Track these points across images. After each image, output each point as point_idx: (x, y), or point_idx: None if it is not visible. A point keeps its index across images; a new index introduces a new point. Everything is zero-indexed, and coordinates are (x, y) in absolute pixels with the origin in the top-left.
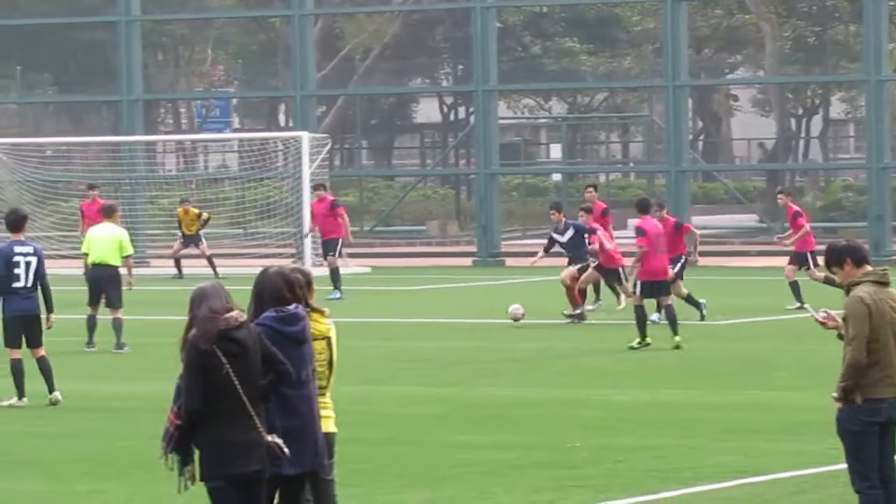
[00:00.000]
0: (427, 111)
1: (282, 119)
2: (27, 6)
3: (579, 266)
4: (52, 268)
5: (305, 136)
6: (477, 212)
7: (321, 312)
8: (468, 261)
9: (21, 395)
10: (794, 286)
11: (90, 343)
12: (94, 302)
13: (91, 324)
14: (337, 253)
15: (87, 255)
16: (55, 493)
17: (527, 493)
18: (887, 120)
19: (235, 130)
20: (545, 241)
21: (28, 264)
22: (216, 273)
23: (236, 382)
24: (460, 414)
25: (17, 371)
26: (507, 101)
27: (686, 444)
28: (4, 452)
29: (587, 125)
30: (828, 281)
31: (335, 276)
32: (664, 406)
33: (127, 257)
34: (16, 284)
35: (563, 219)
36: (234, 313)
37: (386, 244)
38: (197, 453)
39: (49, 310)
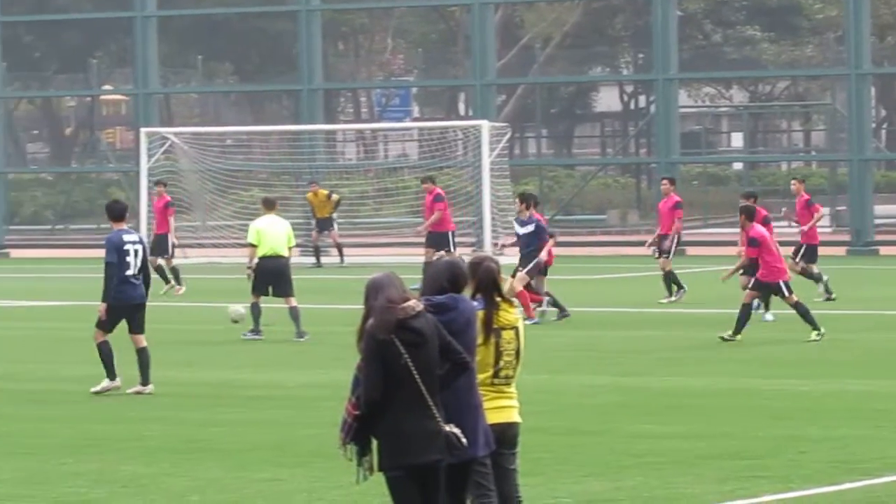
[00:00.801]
0: (607, 100)
1: (461, 108)
2: None
3: (527, 269)
4: (232, 257)
5: (485, 125)
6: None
7: (510, 302)
8: (649, 250)
9: (113, 376)
10: (813, 276)
11: (256, 331)
12: (262, 291)
13: (257, 311)
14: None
15: (254, 246)
16: (236, 480)
17: (710, 484)
18: None
19: (415, 119)
20: (722, 231)
21: (136, 252)
22: (342, 260)
23: (415, 372)
24: (642, 403)
25: (107, 353)
26: (687, 89)
27: (872, 435)
28: (189, 440)
29: (769, 114)
30: (803, 273)
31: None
32: (848, 396)
33: (291, 248)
34: (127, 272)
35: (529, 213)
36: (412, 302)
37: (566, 233)
38: (375, 443)
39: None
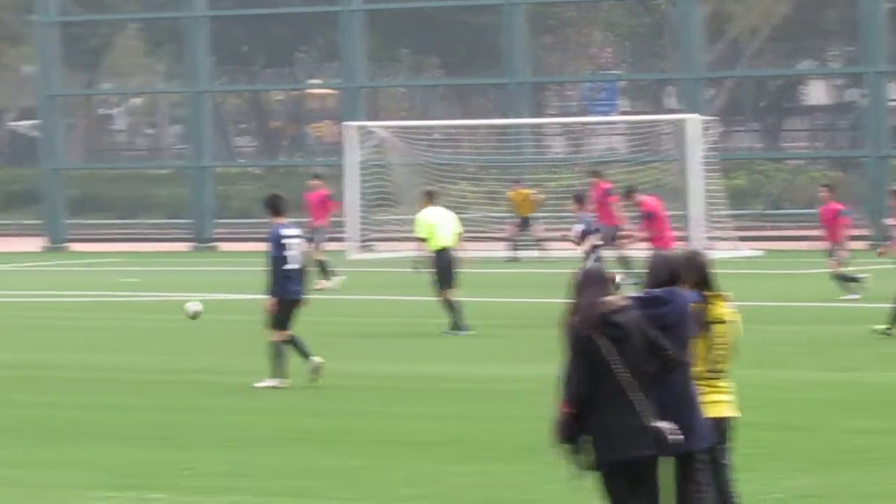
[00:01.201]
0: (816, 93)
1: (669, 101)
2: None
3: None
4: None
5: (693, 119)
6: (867, 194)
7: (721, 297)
8: (862, 244)
9: (282, 375)
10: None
11: (462, 326)
12: (449, 284)
13: (458, 307)
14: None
15: (425, 239)
16: (445, 474)
17: None
18: None
19: (622, 113)
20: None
21: (296, 246)
22: (545, 257)
23: (620, 367)
24: (856, 399)
25: (281, 352)
26: None
27: None
28: (397, 433)
29: None
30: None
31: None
32: None
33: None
34: (287, 267)
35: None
36: (615, 297)
37: (776, 227)
38: (587, 441)
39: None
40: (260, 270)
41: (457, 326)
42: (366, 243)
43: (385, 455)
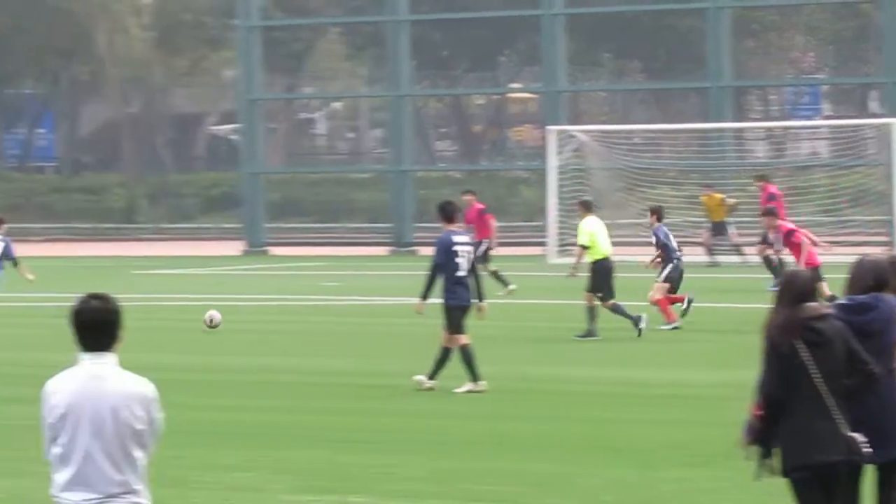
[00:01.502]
0: None
1: (873, 105)
2: None
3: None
4: (634, 255)
5: None
6: None
7: None
8: None
9: (475, 378)
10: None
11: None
12: (607, 293)
13: (626, 312)
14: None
15: (586, 248)
16: (645, 479)
17: None
18: None
19: (826, 117)
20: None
21: (466, 254)
22: (744, 262)
23: (814, 372)
24: None
25: (469, 355)
26: None
27: None
28: (596, 439)
29: None
30: None
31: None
32: None
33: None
34: (458, 273)
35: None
36: (818, 304)
37: None
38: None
39: (480, 298)
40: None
41: (590, 333)
42: (564, 247)
43: (586, 461)
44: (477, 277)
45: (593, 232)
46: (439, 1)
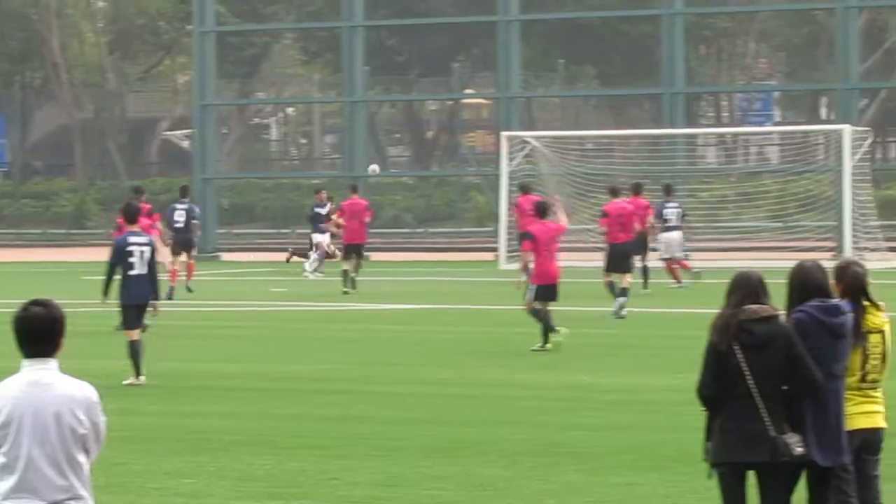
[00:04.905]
0: None
1: (823, 112)
2: (572, 0)
3: None
4: (591, 261)
5: (847, 130)
6: None
7: (877, 306)
8: None
9: (138, 373)
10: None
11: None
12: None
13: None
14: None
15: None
16: (593, 484)
17: None
18: None
19: (777, 123)
20: None
21: (141, 254)
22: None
23: (748, 374)
24: None
25: (136, 351)
26: None
27: None
28: (548, 444)
29: None
30: None
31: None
32: None
33: None
34: (132, 273)
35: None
36: (759, 307)
37: None
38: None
39: (156, 297)
40: (411, 281)
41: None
42: (512, 254)
43: (536, 465)
44: (153, 277)
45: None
46: (394, 6)
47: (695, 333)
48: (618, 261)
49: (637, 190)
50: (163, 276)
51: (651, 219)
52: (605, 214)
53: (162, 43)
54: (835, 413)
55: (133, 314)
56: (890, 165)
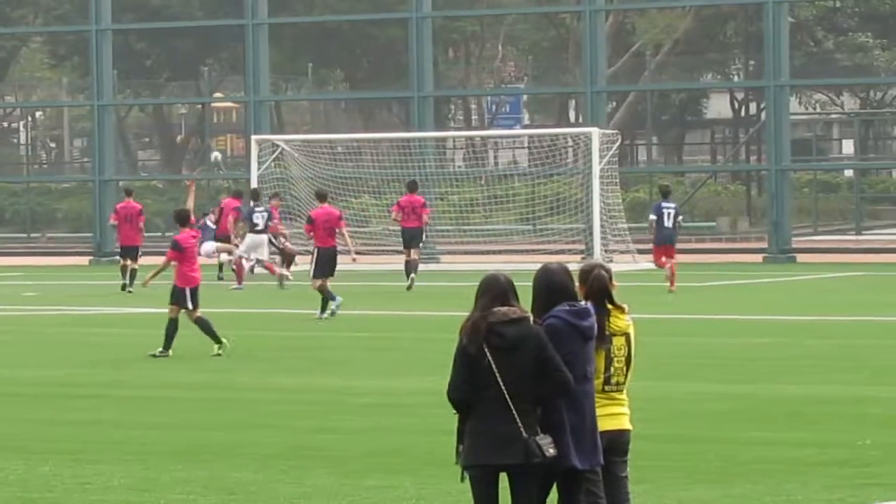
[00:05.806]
0: (718, 107)
1: (572, 115)
2: (321, 3)
3: None
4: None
5: (595, 132)
6: (768, 208)
7: (621, 309)
8: (759, 257)
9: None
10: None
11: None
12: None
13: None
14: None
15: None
16: (345, 487)
17: (819, 491)
18: None
19: (525, 127)
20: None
21: None
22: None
23: (497, 376)
24: (751, 411)
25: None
26: (798, 96)
27: None
28: (299, 447)
29: (880, 120)
30: None
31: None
32: None
33: None
34: None
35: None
36: (508, 309)
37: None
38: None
39: None
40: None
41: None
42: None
43: (287, 469)
44: None
45: None
46: (143, 10)
47: (445, 336)
48: (325, 265)
49: (412, 188)
50: None
51: (238, 221)
52: (310, 220)
53: None
54: (590, 415)
55: None
56: (637, 169)
